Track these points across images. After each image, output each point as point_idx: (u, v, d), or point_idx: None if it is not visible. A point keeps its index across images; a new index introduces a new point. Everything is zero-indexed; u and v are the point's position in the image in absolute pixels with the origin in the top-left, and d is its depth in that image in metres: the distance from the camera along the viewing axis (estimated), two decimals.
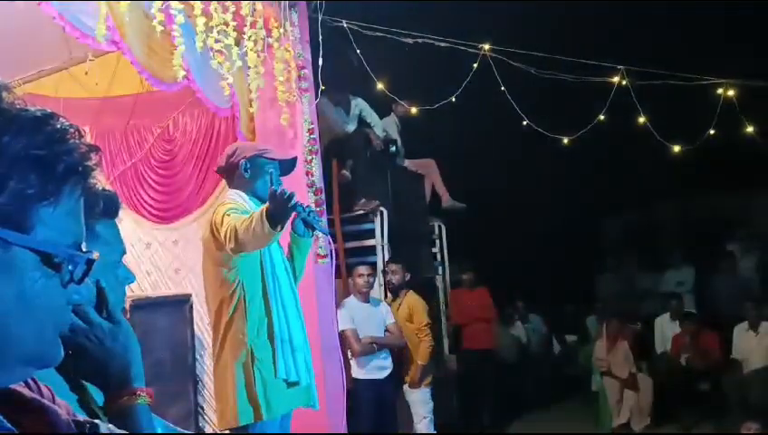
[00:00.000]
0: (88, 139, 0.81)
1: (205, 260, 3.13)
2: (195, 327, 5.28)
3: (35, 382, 0.88)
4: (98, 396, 1.17)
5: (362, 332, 5.22)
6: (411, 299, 5.63)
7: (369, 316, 5.30)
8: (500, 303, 7.86)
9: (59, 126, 0.77)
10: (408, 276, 5.68)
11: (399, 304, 5.63)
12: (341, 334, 5.16)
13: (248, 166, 3.10)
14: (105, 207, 1.20)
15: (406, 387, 5.58)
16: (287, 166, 3.25)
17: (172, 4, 3.71)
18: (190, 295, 5.23)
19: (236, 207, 2.97)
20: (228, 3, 4.03)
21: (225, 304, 3.02)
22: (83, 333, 1.11)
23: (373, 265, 5.83)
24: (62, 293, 0.78)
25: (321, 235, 3.59)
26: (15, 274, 0.73)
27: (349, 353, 5.26)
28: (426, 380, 5.57)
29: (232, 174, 3.16)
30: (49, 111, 0.78)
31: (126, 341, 1.15)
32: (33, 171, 0.73)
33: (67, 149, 0.76)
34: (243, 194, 3.11)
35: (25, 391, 0.84)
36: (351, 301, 5.32)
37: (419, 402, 5.56)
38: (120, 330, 1.15)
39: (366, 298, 5.33)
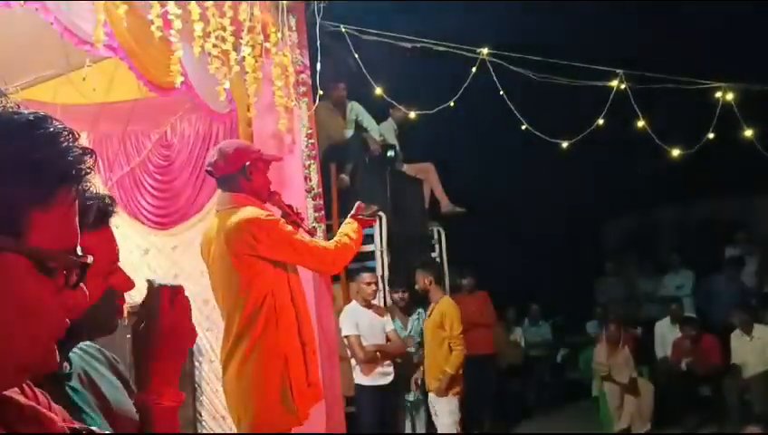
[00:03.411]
0: (82, 142, 0.80)
1: (228, 271, 3.01)
2: None
3: (31, 389, 0.87)
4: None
5: (365, 338, 5.21)
6: (444, 306, 5.34)
7: (372, 323, 5.28)
8: (501, 308, 7.85)
9: (52, 129, 0.76)
10: (430, 282, 5.43)
11: (431, 311, 5.41)
12: (346, 340, 5.14)
13: (252, 168, 3.06)
14: (95, 217, 1.19)
15: (431, 396, 5.32)
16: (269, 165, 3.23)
17: (170, 9, 3.70)
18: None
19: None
20: (226, 8, 4.03)
21: (256, 314, 2.94)
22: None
23: (374, 270, 5.80)
24: (57, 298, 0.76)
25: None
26: (9, 279, 0.72)
27: (352, 360, 5.24)
28: (454, 388, 5.24)
29: (231, 175, 3.07)
30: (42, 114, 0.76)
31: None
32: (26, 175, 0.72)
33: (60, 152, 0.75)
34: (255, 204, 3.06)
35: (21, 398, 0.82)
36: (354, 307, 5.28)
37: (446, 412, 5.23)
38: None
39: (369, 304, 5.31)
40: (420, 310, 5.81)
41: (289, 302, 3.01)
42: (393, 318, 5.57)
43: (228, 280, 3.02)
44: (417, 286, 5.49)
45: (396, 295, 5.76)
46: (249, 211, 2.99)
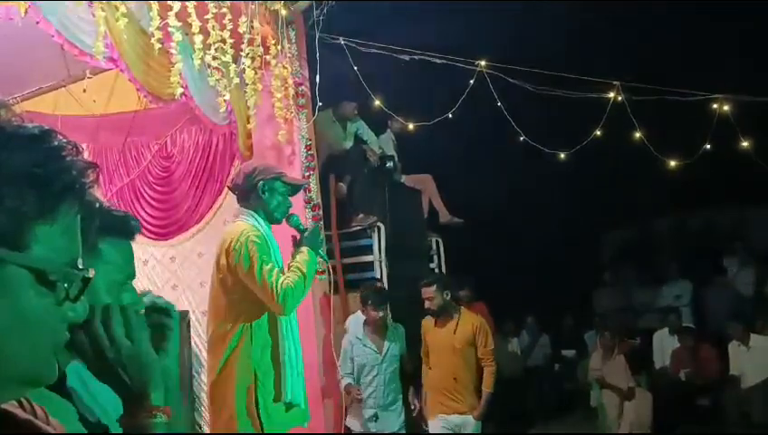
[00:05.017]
0: (85, 155, 0.81)
1: (216, 284, 3.10)
2: (192, 344, 5.27)
3: (29, 402, 0.86)
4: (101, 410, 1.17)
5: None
6: (474, 319, 4.82)
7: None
8: (499, 318, 7.84)
9: (56, 143, 0.76)
10: (448, 295, 4.82)
11: (456, 326, 4.75)
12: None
13: (266, 187, 3.14)
14: (117, 228, 1.22)
15: (467, 419, 4.69)
16: (296, 189, 3.32)
17: (170, 21, 3.73)
18: (187, 312, 5.22)
19: (262, 246, 2.99)
20: (226, 20, 4.05)
21: (232, 327, 3.02)
22: (104, 349, 1.13)
23: (372, 280, 5.76)
24: (57, 311, 0.76)
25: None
26: (10, 292, 0.72)
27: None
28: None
29: (247, 193, 3.18)
30: (46, 127, 0.77)
31: (143, 360, 1.15)
32: (30, 189, 0.72)
33: (64, 166, 0.76)
34: (257, 216, 3.13)
35: (18, 412, 0.82)
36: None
37: None
38: (139, 349, 1.14)
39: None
40: (400, 329, 5.18)
41: (266, 319, 3.04)
42: (366, 337, 4.96)
43: (213, 289, 3.10)
44: (431, 304, 4.76)
45: (374, 313, 4.87)
46: (233, 226, 3.09)
